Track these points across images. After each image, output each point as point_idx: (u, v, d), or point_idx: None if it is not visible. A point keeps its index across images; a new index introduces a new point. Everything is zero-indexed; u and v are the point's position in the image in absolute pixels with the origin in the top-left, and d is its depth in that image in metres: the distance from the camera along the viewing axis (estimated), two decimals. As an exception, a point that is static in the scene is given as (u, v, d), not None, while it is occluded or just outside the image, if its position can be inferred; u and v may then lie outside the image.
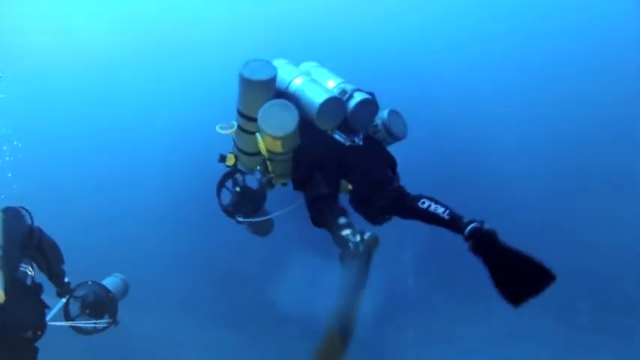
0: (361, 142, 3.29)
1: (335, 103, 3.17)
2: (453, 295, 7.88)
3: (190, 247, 8.04)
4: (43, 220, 3.24)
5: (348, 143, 3.24)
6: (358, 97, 3.25)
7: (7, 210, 3.02)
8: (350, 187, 3.35)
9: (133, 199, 8.52)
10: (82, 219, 7.85)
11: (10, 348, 2.72)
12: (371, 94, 3.40)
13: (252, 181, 3.95)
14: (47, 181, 8.19)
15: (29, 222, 3.13)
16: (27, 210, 3.16)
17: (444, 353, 7.32)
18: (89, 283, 3.45)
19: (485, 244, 2.64)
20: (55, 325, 3.09)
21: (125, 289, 3.76)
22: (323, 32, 8.87)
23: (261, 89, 3.13)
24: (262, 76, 3.12)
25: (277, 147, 3.13)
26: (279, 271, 7.22)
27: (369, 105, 3.32)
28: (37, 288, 3.04)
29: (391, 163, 3.45)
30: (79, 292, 3.35)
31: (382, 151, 3.45)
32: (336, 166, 3.23)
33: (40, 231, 3.17)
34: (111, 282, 3.67)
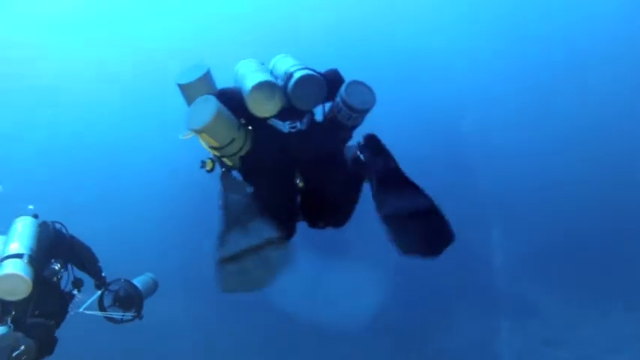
0: (304, 127, 3.05)
1: (265, 87, 2.94)
2: (563, 297, 7.91)
3: (190, 248, 7.98)
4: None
5: (286, 130, 3.03)
6: (297, 75, 2.97)
7: (42, 223, 3.68)
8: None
9: (134, 199, 8.59)
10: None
11: (37, 333, 3.25)
12: (323, 72, 3.13)
13: None
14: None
15: (63, 231, 3.77)
16: (61, 223, 3.79)
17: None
18: (122, 280, 3.86)
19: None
20: (88, 313, 3.66)
21: (154, 287, 4.12)
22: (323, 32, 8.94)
23: (193, 91, 3.13)
24: (189, 79, 3.15)
25: (210, 141, 3.00)
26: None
27: (310, 82, 2.98)
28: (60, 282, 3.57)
29: (339, 143, 3.18)
30: (112, 287, 3.80)
31: (333, 133, 3.14)
32: (277, 162, 3.08)
33: (72, 237, 3.78)
34: (141, 280, 4.02)
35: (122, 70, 9.24)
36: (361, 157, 2.96)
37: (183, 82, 3.14)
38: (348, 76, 3.26)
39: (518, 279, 8.39)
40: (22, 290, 3.13)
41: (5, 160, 7.91)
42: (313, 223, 3.23)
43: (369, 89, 3.06)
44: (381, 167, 2.90)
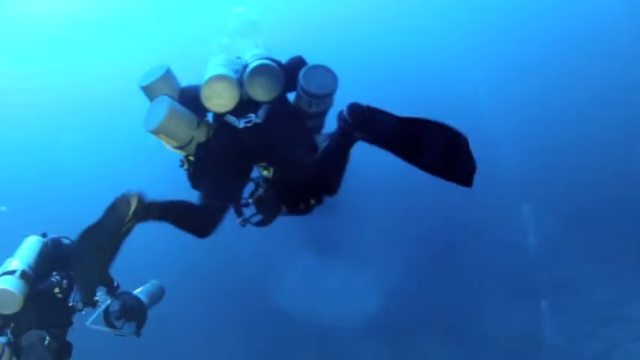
0: (259, 120, 2.93)
1: (216, 81, 2.87)
2: (605, 273, 7.55)
3: (188, 247, 8.15)
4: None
5: (241, 125, 2.93)
6: (251, 65, 2.91)
7: (47, 239, 3.81)
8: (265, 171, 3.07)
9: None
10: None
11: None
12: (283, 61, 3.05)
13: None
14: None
15: (64, 244, 3.84)
16: (68, 237, 3.86)
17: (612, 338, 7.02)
18: (130, 293, 3.91)
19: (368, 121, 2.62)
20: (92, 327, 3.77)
21: (160, 294, 4.17)
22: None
23: (155, 92, 3.08)
24: (149, 80, 3.12)
25: (169, 141, 2.98)
26: (278, 271, 7.21)
27: (264, 72, 2.90)
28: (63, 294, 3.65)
29: (303, 133, 3.04)
30: (119, 298, 3.85)
31: (296, 122, 3.03)
32: (229, 157, 2.98)
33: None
34: (147, 290, 4.05)
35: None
36: (354, 134, 2.74)
37: (144, 84, 3.12)
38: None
39: (554, 258, 7.99)
40: (12, 304, 3.28)
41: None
42: (294, 208, 3.05)
43: (330, 72, 2.93)
44: (386, 133, 2.69)
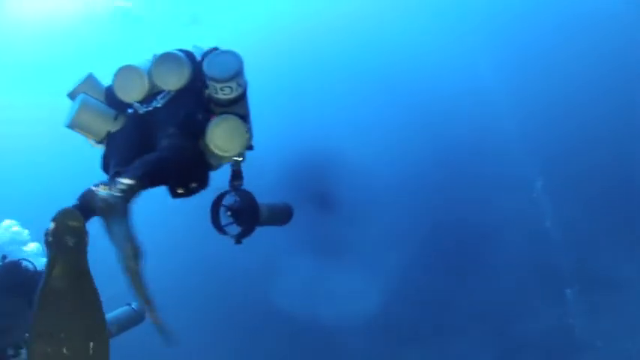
0: (159, 104, 3.02)
1: (124, 72, 3.03)
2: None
3: (188, 248, 8.03)
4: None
5: (142, 111, 3.03)
6: (157, 54, 3.06)
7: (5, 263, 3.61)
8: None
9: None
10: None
11: None
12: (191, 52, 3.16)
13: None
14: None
15: (21, 268, 3.60)
16: (28, 259, 3.64)
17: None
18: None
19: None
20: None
21: (134, 320, 3.98)
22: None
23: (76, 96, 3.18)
24: (70, 88, 3.22)
25: (88, 135, 3.12)
26: (278, 271, 7.16)
27: (166, 60, 3.02)
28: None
29: (197, 122, 3.02)
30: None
31: (193, 109, 3.05)
32: (126, 144, 3.00)
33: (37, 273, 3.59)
34: (116, 315, 3.86)
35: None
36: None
37: (68, 91, 3.20)
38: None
39: (583, 250, 7.40)
40: None
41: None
42: (173, 193, 3.04)
43: (233, 56, 3.00)
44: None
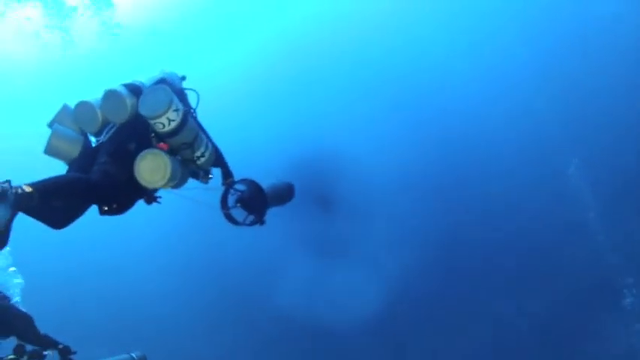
0: (105, 139, 3.21)
1: (81, 106, 3.25)
2: None
3: (188, 249, 8.01)
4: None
5: (94, 145, 3.26)
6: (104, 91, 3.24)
7: None
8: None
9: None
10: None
11: None
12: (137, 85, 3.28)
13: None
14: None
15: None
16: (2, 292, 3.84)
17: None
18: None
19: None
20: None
21: None
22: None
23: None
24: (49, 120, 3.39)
25: (64, 161, 3.30)
26: (277, 271, 7.14)
27: (109, 98, 3.18)
28: None
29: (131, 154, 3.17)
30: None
31: (125, 134, 3.21)
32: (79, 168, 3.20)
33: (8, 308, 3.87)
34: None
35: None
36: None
37: (48, 123, 3.36)
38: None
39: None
40: None
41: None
42: (100, 210, 3.20)
43: (163, 92, 3.08)
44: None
